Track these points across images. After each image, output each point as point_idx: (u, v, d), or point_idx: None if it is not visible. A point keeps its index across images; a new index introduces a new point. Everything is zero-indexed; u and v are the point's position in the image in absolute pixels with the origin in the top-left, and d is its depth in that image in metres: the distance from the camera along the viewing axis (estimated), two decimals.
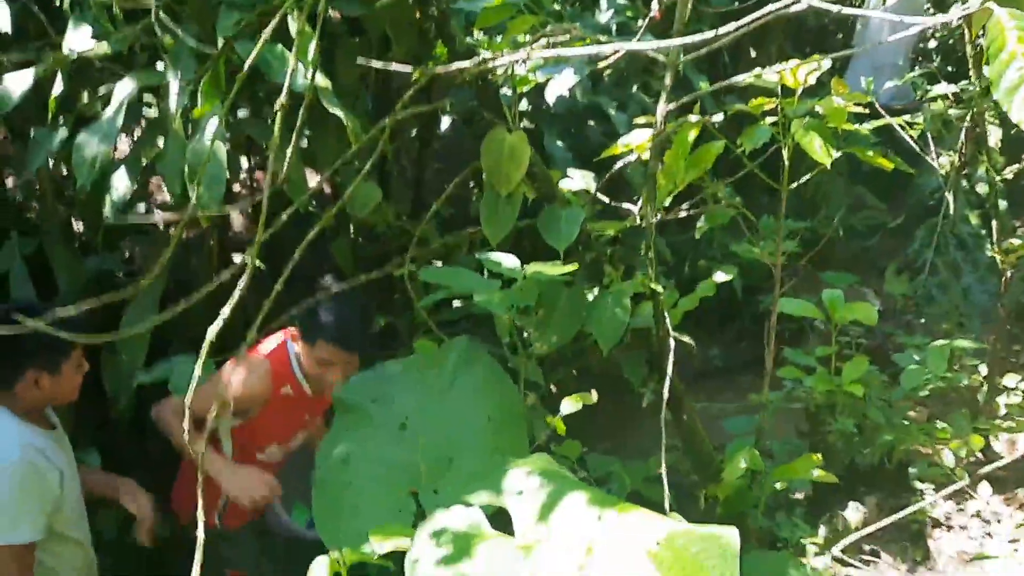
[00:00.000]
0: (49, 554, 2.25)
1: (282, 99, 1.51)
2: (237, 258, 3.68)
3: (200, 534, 1.50)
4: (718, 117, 1.81)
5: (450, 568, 1.28)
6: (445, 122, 4.09)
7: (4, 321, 2.11)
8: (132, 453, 3.02)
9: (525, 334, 3.29)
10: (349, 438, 1.84)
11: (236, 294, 1.56)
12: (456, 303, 3.52)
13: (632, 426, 4.19)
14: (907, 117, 2.98)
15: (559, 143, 3.29)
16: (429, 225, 2.70)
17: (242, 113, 3.24)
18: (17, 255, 3.02)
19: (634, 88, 4.02)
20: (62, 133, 2.74)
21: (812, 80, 1.76)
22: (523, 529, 1.43)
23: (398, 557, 1.52)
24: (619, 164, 2.17)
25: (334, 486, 1.76)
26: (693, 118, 1.77)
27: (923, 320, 4.35)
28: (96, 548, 2.77)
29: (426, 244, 3.06)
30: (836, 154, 1.79)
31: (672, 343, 1.80)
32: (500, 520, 1.49)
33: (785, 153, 1.87)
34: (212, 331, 1.43)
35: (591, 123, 3.79)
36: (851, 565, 2.61)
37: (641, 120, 1.97)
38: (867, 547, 2.70)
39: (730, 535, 1.30)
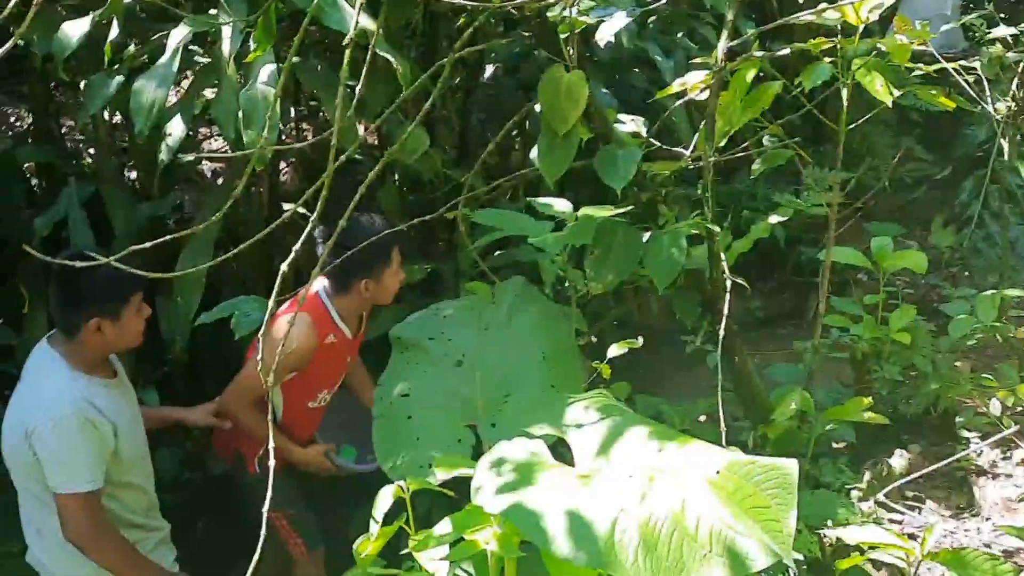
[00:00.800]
0: (110, 499, 2.34)
1: (349, 37, 1.51)
2: (285, 204, 3.74)
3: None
4: (783, 52, 1.79)
5: (513, 495, 1.32)
6: (488, 71, 4.07)
7: (65, 268, 2.17)
8: (187, 393, 3.10)
9: (567, 283, 3.33)
10: (408, 374, 1.89)
11: (297, 247, 1.57)
12: (497, 252, 3.56)
13: (671, 377, 4.21)
14: (962, 63, 2.92)
15: (604, 90, 3.27)
16: (475, 171, 2.71)
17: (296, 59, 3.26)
18: (75, 200, 3.09)
19: (679, 34, 3.97)
20: (118, 79, 2.78)
21: (875, 16, 1.74)
22: (583, 460, 1.46)
23: (457, 485, 1.57)
24: (675, 105, 2.16)
25: (395, 419, 1.81)
26: (756, 54, 1.75)
27: (968, 273, 4.30)
28: (156, 488, 2.90)
29: (471, 190, 3.09)
30: (897, 93, 1.77)
31: (728, 284, 1.81)
32: (557, 453, 1.53)
33: (844, 93, 1.86)
34: (284, 266, 1.46)
35: (636, 70, 3.75)
36: (895, 510, 2.63)
37: (697, 60, 1.96)
38: (911, 494, 2.71)
39: (789, 466, 1.33)
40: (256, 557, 1.40)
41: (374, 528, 1.54)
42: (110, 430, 2.24)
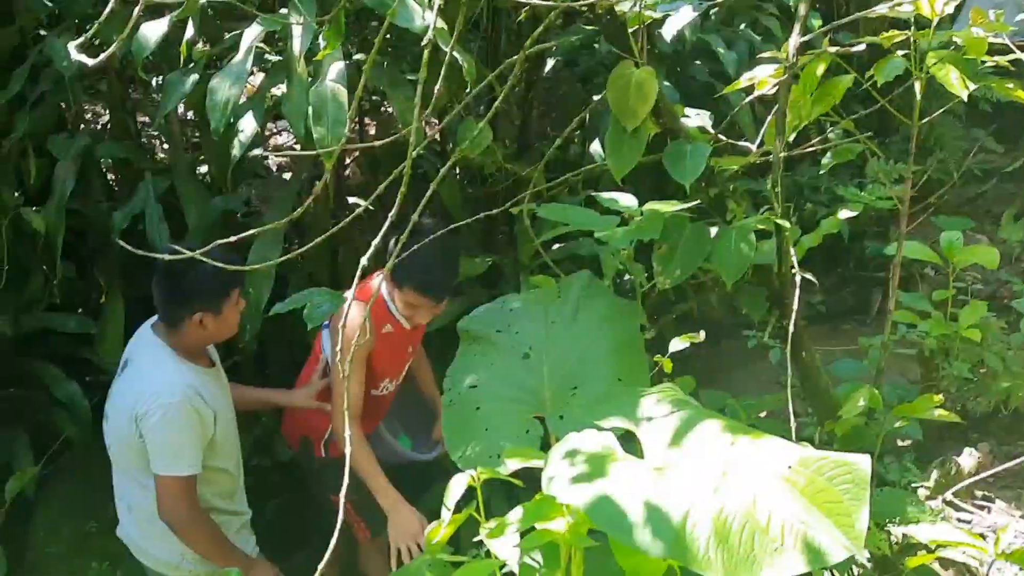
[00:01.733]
0: (201, 482, 2.45)
1: (428, 37, 1.54)
2: (350, 198, 3.82)
3: None
4: (857, 46, 1.78)
5: (586, 486, 1.34)
6: (548, 64, 4.08)
7: (170, 264, 2.29)
8: (254, 381, 3.20)
9: (628, 277, 3.33)
10: (476, 366, 1.92)
11: (376, 241, 1.60)
12: (557, 246, 3.58)
13: (732, 372, 4.19)
14: None
15: (666, 83, 3.26)
16: (539, 167, 2.73)
17: (357, 57, 3.33)
18: (151, 195, 3.20)
19: (742, 26, 3.93)
20: (192, 78, 2.87)
21: (950, 9, 1.71)
22: (654, 453, 1.48)
23: (525, 476, 1.60)
24: (745, 102, 2.15)
25: (464, 410, 1.85)
26: (830, 49, 1.74)
27: None
28: (273, 469, 3.01)
29: (533, 185, 3.11)
30: (972, 87, 1.74)
31: (797, 279, 1.81)
32: (626, 445, 1.55)
33: (917, 87, 1.83)
34: (364, 260, 1.51)
35: (697, 62, 3.74)
36: (964, 510, 2.59)
37: (765, 55, 1.95)
38: (980, 493, 2.67)
39: (862, 462, 1.33)
40: (334, 538, 1.45)
41: (445, 515, 1.58)
42: (211, 418, 2.35)
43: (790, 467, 1.32)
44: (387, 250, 2.57)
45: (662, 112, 1.89)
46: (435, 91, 1.56)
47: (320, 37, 2.64)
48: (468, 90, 2.48)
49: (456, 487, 1.56)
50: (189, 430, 2.29)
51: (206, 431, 2.34)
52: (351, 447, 2.56)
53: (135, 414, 2.28)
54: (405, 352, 2.72)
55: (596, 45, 3.82)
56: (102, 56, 1.29)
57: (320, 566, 1.48)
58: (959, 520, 2.54)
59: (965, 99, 1.75)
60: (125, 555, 2.66)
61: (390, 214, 1.54)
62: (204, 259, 1.61)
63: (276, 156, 4.63)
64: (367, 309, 2.61)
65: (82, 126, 3.72)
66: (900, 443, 2.89)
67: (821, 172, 2.21)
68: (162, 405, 2.25)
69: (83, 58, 1.29)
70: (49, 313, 3.37)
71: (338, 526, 1.50)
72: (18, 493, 3.21)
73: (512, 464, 1.57)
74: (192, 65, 2.94)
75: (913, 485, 2.61)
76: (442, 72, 1.59)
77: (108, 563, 3.21)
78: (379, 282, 2.73)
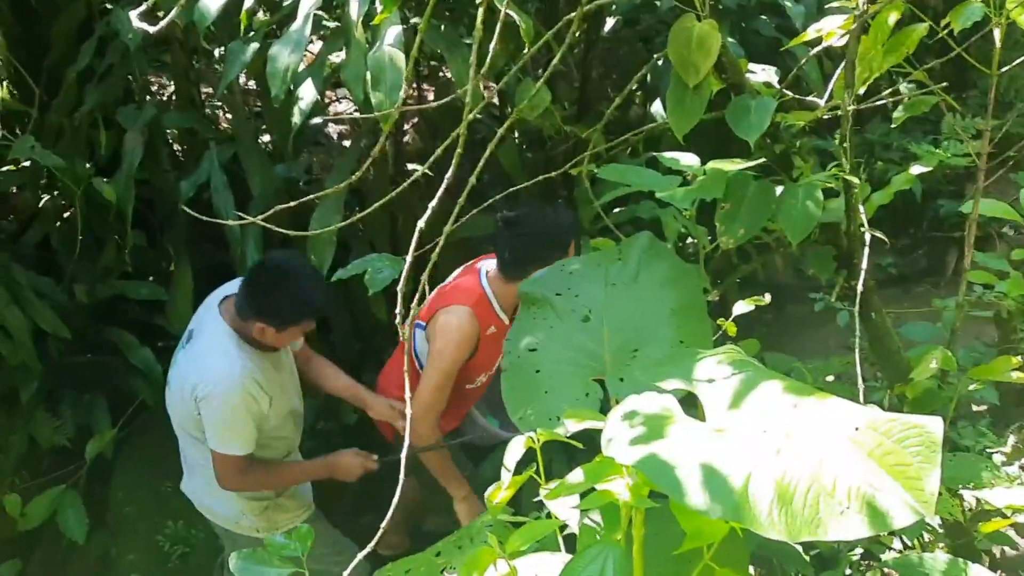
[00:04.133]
0: (258, 447, 2.53)
1: None
2: (409, 164, 3.83)
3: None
4: None
5: (646, 447, 1.32)
6: (608, 24, 4.01)
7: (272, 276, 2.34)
8: (317, 346, 3.25)
9: (690, 239, 3.27)
10: (535, 329, 1.91)
11: (433, 204, 1.61)
12: (617, 209, 3.53)
13: (797, 335, 4.12)
14: None
15: (731, 39, 3.17)
16: (598, 128, 2.69)
17: (415, 20, 3.31)
18: (216, 164, 3.27)
19: None
20: (253, 46, 2.90)
21: None
22: (715, 414, 1.45)
23: (584, 438, 1.59)
24: (811, 53, 2.08)
25: (524, 373, 1.84)
26: None
27: None
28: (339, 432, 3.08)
29: (593, 147, 3.07)
30: None
31: (867, 238, 1.75)
32: (686, 408, 1.52)
33: (997, 34, 1.74)
34: (421, 222, 1.51)
35: (763, 16, 3.62)
36: None
37: (834, 5, 1.87)
38: None
39: (933, 424, 1.28)
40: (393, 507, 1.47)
41: (506, 477, 1.58)
42: (267, 403, 2.43)
43: (857, 429, 1.28)
44: (498, 247, 2.60)
45: (725, 67, 1.83)
46: (490, 51, 1.53)
47: (377, 2, 2.63)
48: (525, 51, 2.45)
49: (515, 449, 1.56)
50: (244, 415, 2.37)
51: (261, 415, 2.42)
52: (428, 434, 2.61)
53: (195, 394, 2.36)
54: (501, 347, 2.72)
55: (657, 2, 3.73)
56: (163, 23, 1.30)
57: (383, 524, 1.52)
58: None
59: None
60: (200, 514, 2.76)
61: (446, 176, 1.52)
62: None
63: (336, 124, 4.66)
64: (473, 316, 2.59)
65: (148, 97, 3.80)
66: (975, 408, 2.80)
67: (893, 127, 2.12)
68: (221, 390, 2.33)
69: (144, 26, 1.30)
70: (122, 281, 3.48)
71: (398, 492, 1.53)
72: (97, 455, 3.35)
73: (571, 426, 1.56)
74: (252, 34, 2.97)
75: (988, 451, 2.53)
76: (496, 31, 1.56)
77: (183, 522, 3.34)
78: (482, 278, 2.70)
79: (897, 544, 2.25)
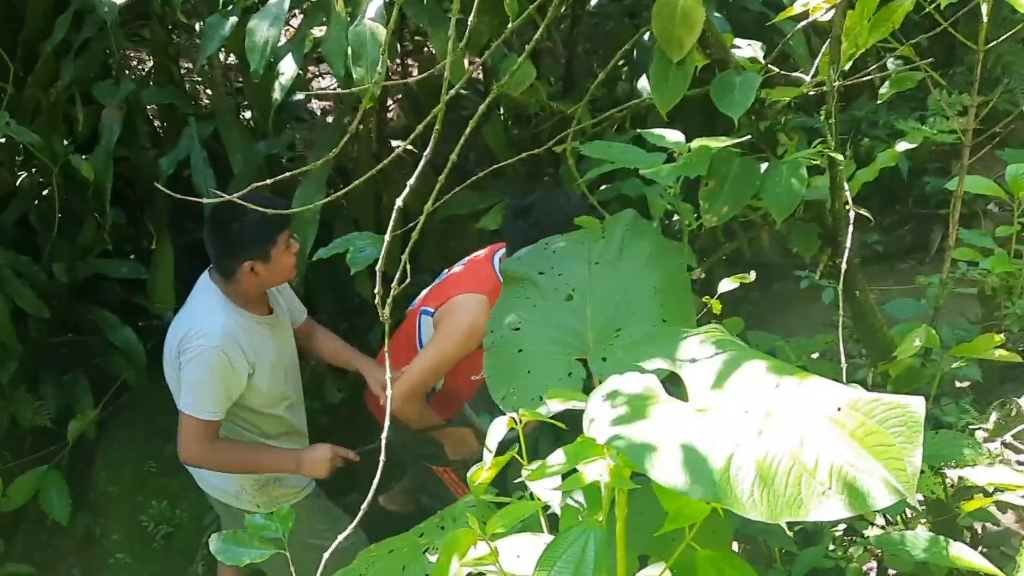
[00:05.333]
0: (245, 422, 2.49)
1: None
2: (393, 141, 3.79)
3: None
4: None
5: (626, 427, 1.31)
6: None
7: (215, 215, 2.30)
8: None
9: (676, 216, 3.25)
10: (518, 308, 1.89)
11: (411, 182, 1.59)
12: (603, 186, 3.51)
13: (783, 313, 4.12)
14: None
15: (717, 13, 3.13)
16: (583, 104, 2.66)
17: None
18: (196, 140, 3.22)
19: None
20: (232, 20, 2.85)
21: None
22: (697, 394, 1.44)
23: (569, 417, 1.59)
24: (796, 28, 2.05)
25: (506, 352, 1.82)
26: None
27: None
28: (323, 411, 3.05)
29: (578, 123, 3.04)
30: None
31: (851, 215, 1.73)
32: (669, 387, 1.52)
33: (984, 9, 1.72)
34: (399, 201, 1.48)
35: None
36: None
37: None
38: None
39: (915, 404, 1.27)
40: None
41: (488, 457, 1.57)
42: (246, 369, 2.38)
43: (839, 409, 1.27)
44: (509, 236, 2.57)
45: (709, 42, 1.80)
46: (468, 24, 1.50)
47: None
48: (509, 25, 2.41)
49: (496, 429, 1.55)
50: (218, 378, 2.33)
51: (237, 382, 2.37)
52: (413, 413, 2.60)
53: (178, 350, 2.34)
54: None
55: None
56: None
57: (363, 505, 1.51)
58: (1018, 463, 2.47)
59: None
60: (184, 494, 2.75)
61: (424, 154, 1.50)
62: (245, 204, 1.60)
63: (320, 100, 4.61)
64: (487, 305, 2.53)
65: (126, 73, 3.74)
66: (958, 384, 2.81)
67: (879, 104, 2.10)
68: (199, 346, 2.31)
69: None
70: (102, 260, 3.44)
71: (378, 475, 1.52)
72: (80, 435, 3.33)
73: (554, 406, 1.55)
74: (231, 8, 2.92)
75: (971, 427, 2.54)
76: (475, 5, 1.53)
77: (167, 502, 3.33)
78: (495, 266, 2.65)
79: (880, 520, 2.26)
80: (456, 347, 2.57)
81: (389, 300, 1.66)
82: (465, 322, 2.55)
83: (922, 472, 1.93)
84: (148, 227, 3.44)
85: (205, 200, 1.55)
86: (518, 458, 1.55)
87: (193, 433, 2.36)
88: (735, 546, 2.23)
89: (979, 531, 2.24)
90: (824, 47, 1.87)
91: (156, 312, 3.38)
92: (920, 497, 1.96)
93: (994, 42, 1.85)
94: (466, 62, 3.46)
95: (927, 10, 1.81)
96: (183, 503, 3.35)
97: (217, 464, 2.48)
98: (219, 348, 2.30)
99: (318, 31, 3.11)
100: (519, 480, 1.50)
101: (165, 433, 2.90)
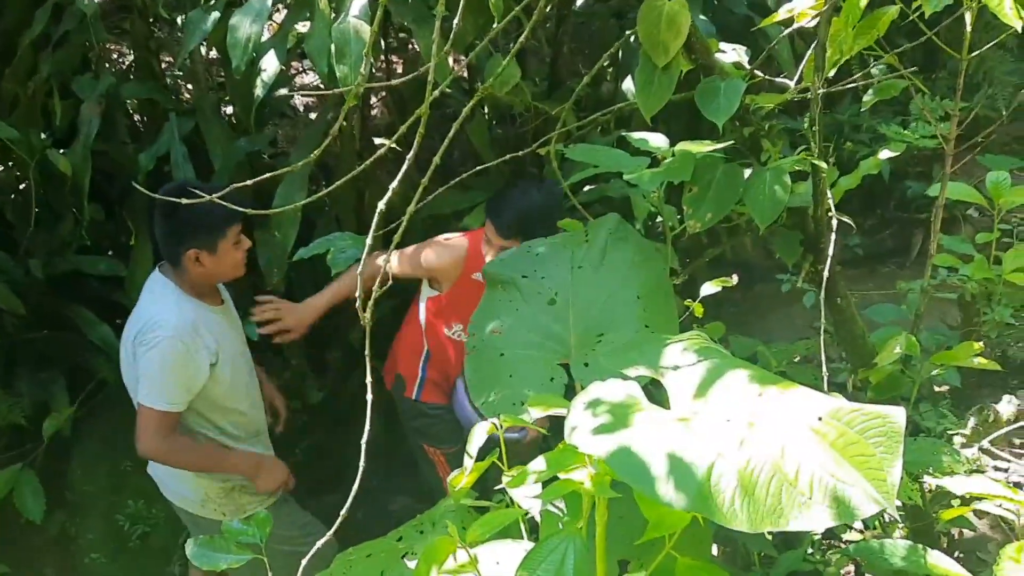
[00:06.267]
0: (211, 425, 2.46)
1: None
2: (376, 139, 3.76)
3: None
4: None
5: (609, 436, 1.30)
6: None
7: (166, 201, 2.26)
8: None
9: (660, 219, 3.25)
10: (501, 311, 1.88)
11: (394, 185, 1.57)
12: (587, 188, 3.50)
13: (765, 316, 4.13)
14: None
15: (702, 16, 3.13)
16: (568, 106, 2.65)
17: None
18: (176, 136, 3.18)
19: None
20: (214, 15, 2.81)
21: None
22: (680, 403, 1.44)
23: (549, 423, 1.58)
24: (782, 35, 2.05)
25: (488, 356, 1.81)
26: None
27: None
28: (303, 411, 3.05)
29: (563, 124, 3.03)
30: None
31: (833, 223, 1.74)
32: (650, 394, 1.51)
33: (968, 18, 1.72)
34: (381, 204, 1.47)
35: None
36: (1000, 458, 2.53)
37: None
38: (1018, 441, 2.61)
39: (896, 414, 1.28)
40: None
41: (468, 463, 1.56)
42: (207, 358, 2.34)
43: (820, 419, 1.27)
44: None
45: (695, 47, 1.80)
46: (454, 25, 1.48)
47: None
48: (494, 25, 2.40)
49: (477, 435, 1.54)
50: (178, 367, 2.29)
51: (199, 371, 2.34)
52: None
53: (134, 344, 2.31)
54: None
55: None
56: None
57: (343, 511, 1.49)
58: (995, 468, 2.49)
59: (1020, 30, 1.64)
60: (160, 493, 2.72)
61: (407, 156, 1.48)
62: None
63: (304, 96, 4.57)
64: (464, 250, 2.67)
65: (107, 66, 3.68)
66: (937, 389, 2.83)
67: (863, 110, 2.10)
68: (155, 337, 2.27)
69: None
70: (80, 256, 3.39)
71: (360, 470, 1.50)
72: (55, 433, 3.28)
73: (535, 412, 1.54)
74: (214, 2, 2.88)
75: (949, 432, 2.56)
76: (460, 5, 1.51)
77: (143, 501, 3.29)
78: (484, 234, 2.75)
79: (858, 525, 2.27)
80: (422, 260, 2.74)
81: (371, 303, 1.65)
82: (435, 246, 2.74)
83: (901, 480, 1.95)
84: (127, 223, 3.40)
85: (183, 200, 1.52)
86: (499, 464, 1.54)
87: (152, 425, 2.31)
88: (714, 549, 2.23)
89: (956, 536, 2.25)
90: (809, 52, 1.87)
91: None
92: (898, 503, 1.97)
93: (977, 52, 1.86)
94: (451, 61, 3.45)
95: (911, 18, 1.82)
96: (159, 503, 3.30)
97: (175, 458, 2.42)
98: (176, 337, 2.27)
99: (302, 26, 3.08)
100: (499, 487, 1.49)
101: None
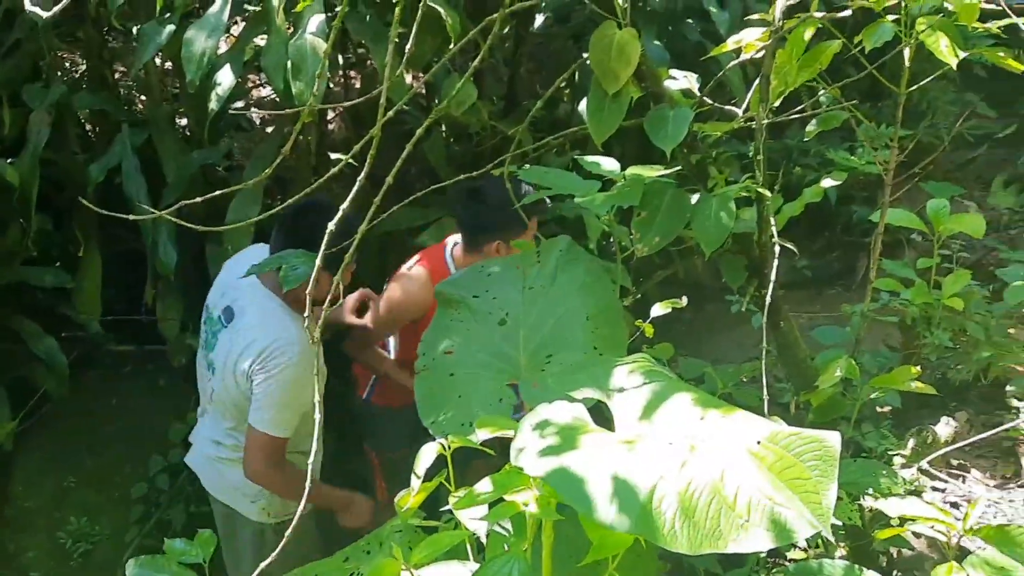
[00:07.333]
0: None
1: None
2: (332, 154, 3.76)
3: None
4: (844, 12, 1.73)
5: (555, 459, 1.32)
6: (538, 20, 4.00)
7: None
8: None
9: (612, 238, 3.30)
10: (452, 331, 1.90)
11: (345, 205, 1.56)
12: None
13: (716, 335, 4.19)
14: None
15: (656, 42, 3.20)
16: (523, 126, 2.68)
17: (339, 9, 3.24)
18: (129, 148, 3.15)
19: None
20: (169, 28, 2.80)
21: None
22: (625, 425, 1.46)
23: (497, 444, 1.59)
24: (730, 64, 2.11)
25: (438, 376, 1.82)
26: (816, 14, 1.70)
27: None
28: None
29: (519, 145, 3.06)
30: (962, 55, 1.70)
31: (776, 249, 1.78)
32: (598, 415, 1.54)
33: (906, 54, 1.79)
34: (331, 225, 1.47)
35: (689, 21, 3.66)
36: (939, 478, 2.60)
37: (754, 17, 1.90)
38: (956, 462, 2.68)
39: (832, 439, 1.32)
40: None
41: (415, 483, 1.57)
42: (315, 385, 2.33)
43: (759, 442, 1.31)
44: (459, 216, 2.64)
45: (645, 75, 1.84)
46: (408, 47, 1.50)
47: None
48: (452, 45, 2.42)
49: (425, 455, 1.55)
50: (300, 391, 2.25)
51: (310, 396, 2.31)
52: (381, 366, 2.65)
53: (256, 361, 2.25)
54: None
55: (587, 0, 3.74)
56: (57, 8, 1.23)
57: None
58: (933, 489, 2.56)
59: (954, 67, 1.70)
60: (104, 509, 2.67)
61: (359, 177, 1.49)
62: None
63: (261, 109, 4.55)
64: (428, 281, 2.62)
65: (59, 75, 3.63)
66: (880, 410, 2.90)
67: (806, 139, 2.17)
68: (284, 363, 2.23)
69: (36, 10, 1.23)
70: (26, 267, 3.33)
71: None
72: None
73: (483, 434, 1.55)
74: (169, 15, 2.87)
75: (890, 453, 2.62)
76: (414, 26, 1.53)
77: (87, 518, 3.23)
78: (447, 248, 2.71)
79: (802, 544, 2.31)
80: (389, 312, 2.67)
81: (319, 322, 1.65)
82: (396, 296, 2.67)
83: (839, 500, 2.00)
84: (75, 234, 3.34)
85: (131, 216, 1.51)
86: (446, 484, 1.55)
87: (265, 450, 2.28)
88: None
89: (895, 556, 2.31)
90: (756, 83, 1.92)
91: (81, 322, 3.28)
92: (839, 523, 2.01)
93: (915, 86, 1.93)
94: (409, 78, 3.46)
95: (853, 51, 1.88)
96: (103, 519, 3.25)
97: (280, 483, 2.39)
98: (308, 358, 2.21)
99: (260, 39, 3.08)
100: (446, 508, 1.50)
101: (85, 446, 2.82)
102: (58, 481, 3.32)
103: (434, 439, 1.53)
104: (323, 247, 1.51)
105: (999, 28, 1.91)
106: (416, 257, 2.79)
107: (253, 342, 2.28)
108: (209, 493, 2.61)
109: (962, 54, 1.70)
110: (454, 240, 2.79)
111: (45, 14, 1.21)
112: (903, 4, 1.78)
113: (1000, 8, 1.88)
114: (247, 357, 2.27)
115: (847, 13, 1.74)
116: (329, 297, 1.65)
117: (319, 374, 2.38)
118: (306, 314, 1.56)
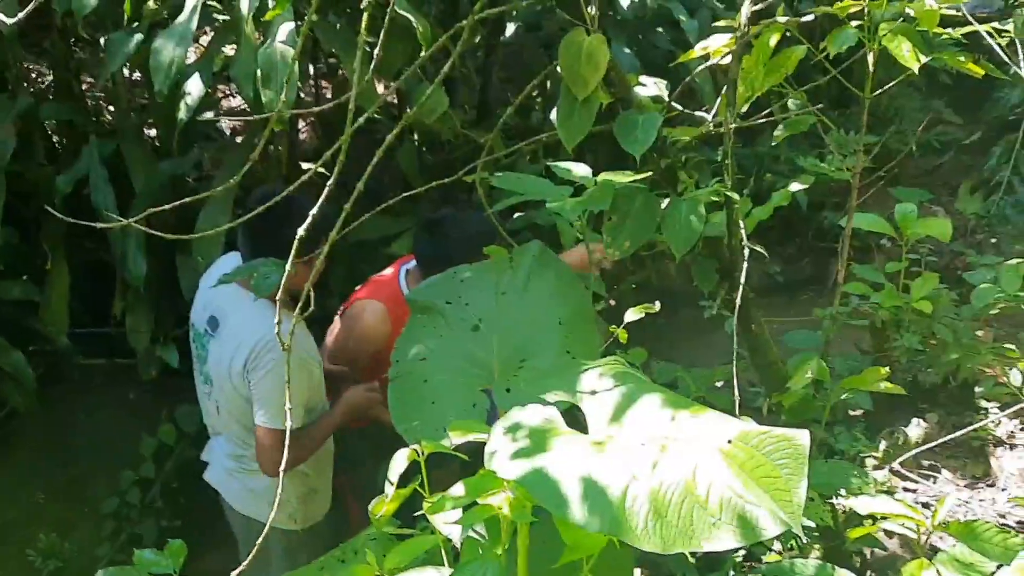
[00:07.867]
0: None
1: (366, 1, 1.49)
2: (303, 163, 3.74)
3: None
4: (808, 16, 1.75)
5: (527, 461, 1.32)
6: (509, 29, 4.02)
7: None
8: None
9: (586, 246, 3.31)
10: (424, 337, 1.89)
11: (314, 211, 1.56)
12: (516, 215, 3.55)
13: (689, 340, 4.21)
14: (995, 24, 2.84)
15: (626, 50, 3.22)
16: (495, 133, 2.69)
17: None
18: (96, 158, 3.11)
19: None
20: (137, 37, 2.78)
21: None
22: (597, 427, 1.47)
23: (471, 449, 1.59)
24: (698, 69, 2.13)
25: (411, 382, 1.81)
26: (781, 19, 1.72)
27: (995, 240, 4.24)
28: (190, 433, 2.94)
29: (490, 152, 3.07)
30: (924, 60, 1.73)
31: (746, 252, 1.80)
32: (571, 419, 1.54)
33: (870, 59, 1.82)
34: (300, 231, 1.47)
35: (659, 30, 3.70)
36: (910, 479, 2.63)
37: (720, 24, 1.92)
38: (926, 463, 2.71)
39: (801, 437, 1.32)
40: None
41: (389, 490, 1.56)
42: (318, 370, 2.37)
43: (730, 442, 1.31)
44: (418, 248, 2.61)
45: (614, 81, 1.86)
46: (375, 54, 1.50)
47: None
48: (422, 53, 2.43)
49: (398, 461, 1.54)
50: (297, 382, 2.24)
51: (313, 380, 2.33)
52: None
53: (248, 360, 2.24)
54: None
55: (559, 9, 3.76)
56: (21, 14, 1.22)
57: None
58: (905, 490, 2.59)
59: (916, 72, 1.73)
60: (75, 525, 2.63)
61: (328, 183, 1.49)
62: None
63: (231, 118, 4.52)
64: (385, 312, 2.56)
65: (25, 86, 3.59)
66: (851, 412, 2.93)
67: (773, 143, 2.19)
68: (273, 359, 2.22)
69: (1, 17, 1.22)
70: None
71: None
72: None
73: (457, 439, 1.55)
74: (137, 24, 2.85)
75: (862, 455, 2.65)
76: (382, 34, 1.54)
77: (56, 534, 3.17)
78: (401, 275, 2.68)
79: (777, 546, 2.33)
80: (348, 348, 2.61)
81: (291, 329, 1.64)
82: (355, 330, 2.61)
83: (812, 500, 2.01)
84: (43, 247, 3.30)
85: (99, 224, 1.49)
86: (420, 490, 1.54)
87: (277, 446, 2.23)
88: (638, 572, 2.26)
89: (868, 555, 2.33)
90: (724, 89, 1.94)
91: (48, 335, 3.23)
92: (812, 524, 2.03)
93: (880, 90, 1.96)
94: (380, 86, 3.46)
95: (818, 57, 1.90)
96: (74, 535, 3.20)
97: (304, 452, 2.38)
98: (294, 356, 2.20)
99: (229, 49, 3.06)
100: (420, 512, 1.49)
101: (54, 461, 2.77)
102: (27, 497, 3.26)
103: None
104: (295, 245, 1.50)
105: (961, 35, 1.94)
106: (366, 288, 2.74)
107: (242, 343, 2.29)
108: (229, 508, 2.58)
109: (924, 59, 1.74)
110: (407, 266, 2.75)
111: (9, 21, 1.19)
112: (866, 10, 1.81)
113: (960, 15, 1.92)
114: (240, 358, 2.27)
115: (810, 18, 1.76)
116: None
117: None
118: (276, 320, 1.54)
